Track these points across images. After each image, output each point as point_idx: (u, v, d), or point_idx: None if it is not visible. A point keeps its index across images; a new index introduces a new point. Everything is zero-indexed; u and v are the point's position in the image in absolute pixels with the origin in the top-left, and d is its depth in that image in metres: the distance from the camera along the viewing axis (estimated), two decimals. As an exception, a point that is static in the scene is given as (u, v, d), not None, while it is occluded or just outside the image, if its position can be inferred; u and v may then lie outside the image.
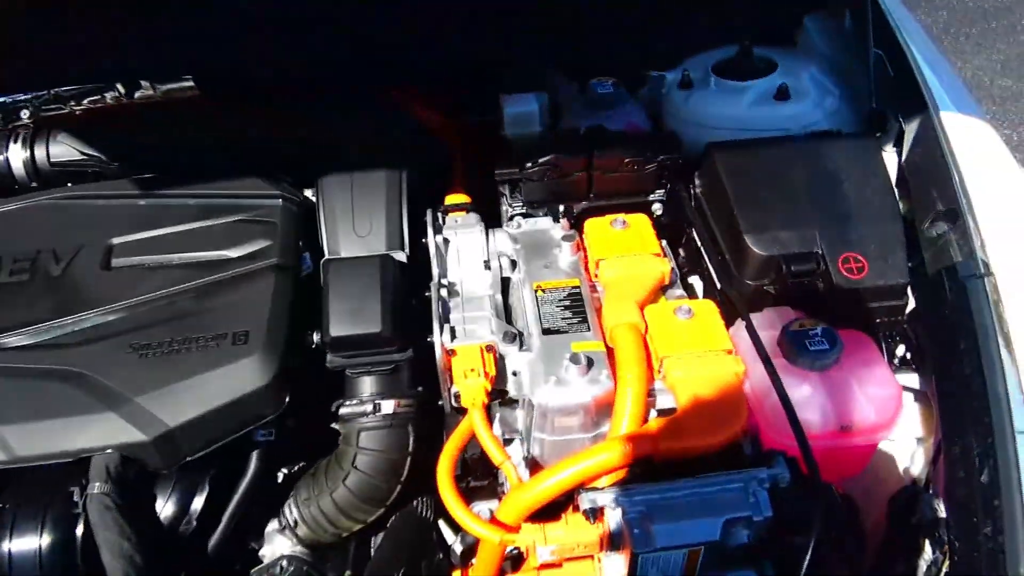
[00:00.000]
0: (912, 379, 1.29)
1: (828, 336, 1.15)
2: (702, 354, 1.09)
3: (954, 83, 1.53)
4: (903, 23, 1.57)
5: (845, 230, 1.28)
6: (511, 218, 1.50)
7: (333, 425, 1.28)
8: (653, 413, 1.11)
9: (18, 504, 1.10)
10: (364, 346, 1.22)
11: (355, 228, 1.30)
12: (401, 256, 1.31)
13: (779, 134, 1.49)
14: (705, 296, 1.38)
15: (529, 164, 1.48)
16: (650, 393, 1.08)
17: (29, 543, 1.08)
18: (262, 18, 1.57)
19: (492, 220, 1.41)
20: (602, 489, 0.98)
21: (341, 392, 1.29)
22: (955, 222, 1.22)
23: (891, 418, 1.14)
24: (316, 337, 1.25)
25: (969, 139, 1.33)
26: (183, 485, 1.13)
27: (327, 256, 1.32)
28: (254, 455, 1.17)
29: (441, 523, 1.34)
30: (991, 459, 0.97)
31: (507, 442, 1.19)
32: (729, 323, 1.18)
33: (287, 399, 1.16)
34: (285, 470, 1.31)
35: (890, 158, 1.41)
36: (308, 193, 1.45)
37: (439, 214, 1.39)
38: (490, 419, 1.15)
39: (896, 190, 1.37)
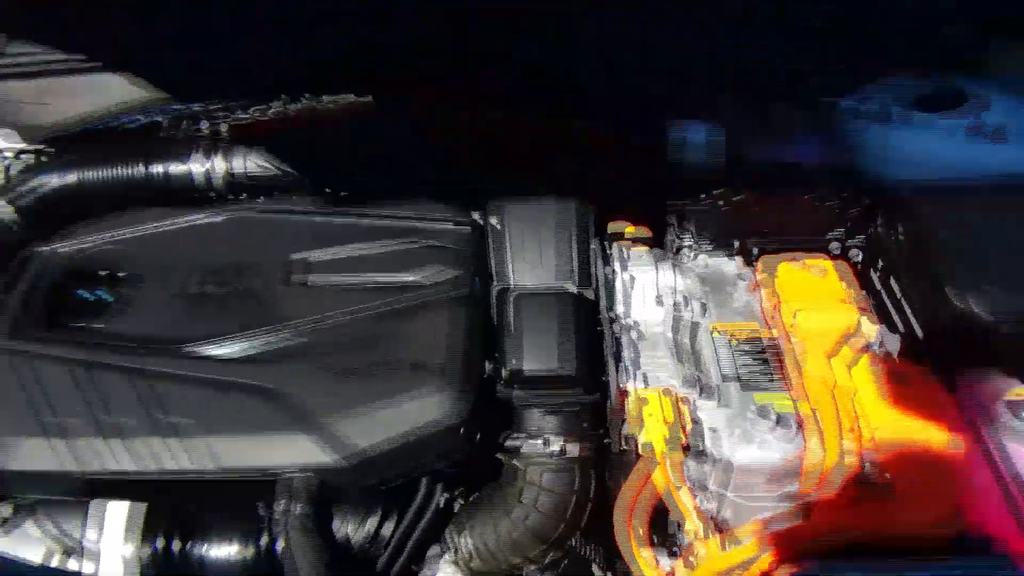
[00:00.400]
0: None
1: (1058, 410, 1.04)
2: (917, 425, 1.01)
3: None
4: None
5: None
6: (679, 251, 1.45)
7: (499, 455, 1.27)
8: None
9: (211, 513, 1.15)
10: (553, 384, 1.20)
11: (541, 259, 1.28)
12: (588, 293, 1.28)
13: (990, 178, 1.36)
14: (902, 355, 1.28)
15: (703, 195, 1.42)
16: (859, 462, 1.01)
17: (219, 551, 1.13)
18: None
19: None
20: (811, 567, 0.92)
21: (506, 422, 1.27)
22: None
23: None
24: (489, 366, 1.25)
25: None
26: (366, 510, 1.14)
27: (509, 286, 1.30)
28: (436, 486, 1.17)
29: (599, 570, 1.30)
30: None
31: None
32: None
33: (478, 436, 1.15)
34: (447, 494, 1.31)
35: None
36: (475, 216, 1.44)
37: (607, 244, 1.36)
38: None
39: None
